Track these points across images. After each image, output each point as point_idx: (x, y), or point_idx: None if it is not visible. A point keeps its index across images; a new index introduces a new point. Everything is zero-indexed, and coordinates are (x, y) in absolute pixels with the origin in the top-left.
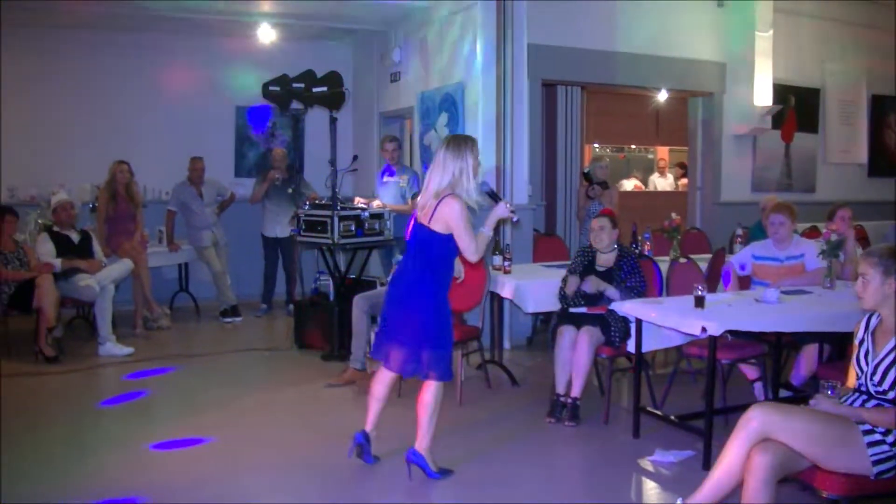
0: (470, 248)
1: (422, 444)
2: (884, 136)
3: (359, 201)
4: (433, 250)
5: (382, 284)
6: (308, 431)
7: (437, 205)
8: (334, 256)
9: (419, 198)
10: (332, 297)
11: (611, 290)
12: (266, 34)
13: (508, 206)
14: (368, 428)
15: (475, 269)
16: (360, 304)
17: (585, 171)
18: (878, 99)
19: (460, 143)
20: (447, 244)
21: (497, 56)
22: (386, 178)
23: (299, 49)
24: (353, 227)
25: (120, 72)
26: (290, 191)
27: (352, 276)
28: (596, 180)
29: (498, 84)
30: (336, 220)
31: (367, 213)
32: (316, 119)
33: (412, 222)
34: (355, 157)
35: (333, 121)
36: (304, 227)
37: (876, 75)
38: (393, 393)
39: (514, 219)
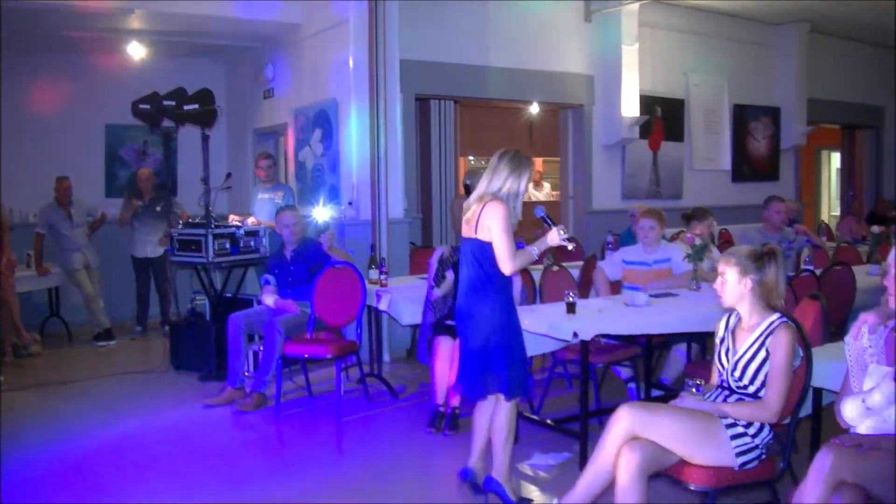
0: (505, 254)
1: (499, 470)
2: (746, 142)
3: (233, 219)
4: (488, 261)
5: (259, 303)
6: (188, 452)
7: (481, 211)
8: (210, 275)
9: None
10: (208, 317)
11: None
12: (136, 51)
13: (563, 233)
14: (471, 461)
15: (352, 283)
16: (236, 323)
17: (466, 183)
18: (739, 108)
19: (521, 161)
20: None
21: (369, 72)
22: (261, 195)
23: (171, 66)
24: (227, 245)
25: None
26: (158, 209)
27: (228, 295)
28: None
29: (371, 99)
30: (210, 238)
31: (241, 231)
32: (188, 137)
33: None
34: (229, 175)
35: (205, 138)
36: (177, 246)
37: (736, 86)
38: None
39: (570, 247)
